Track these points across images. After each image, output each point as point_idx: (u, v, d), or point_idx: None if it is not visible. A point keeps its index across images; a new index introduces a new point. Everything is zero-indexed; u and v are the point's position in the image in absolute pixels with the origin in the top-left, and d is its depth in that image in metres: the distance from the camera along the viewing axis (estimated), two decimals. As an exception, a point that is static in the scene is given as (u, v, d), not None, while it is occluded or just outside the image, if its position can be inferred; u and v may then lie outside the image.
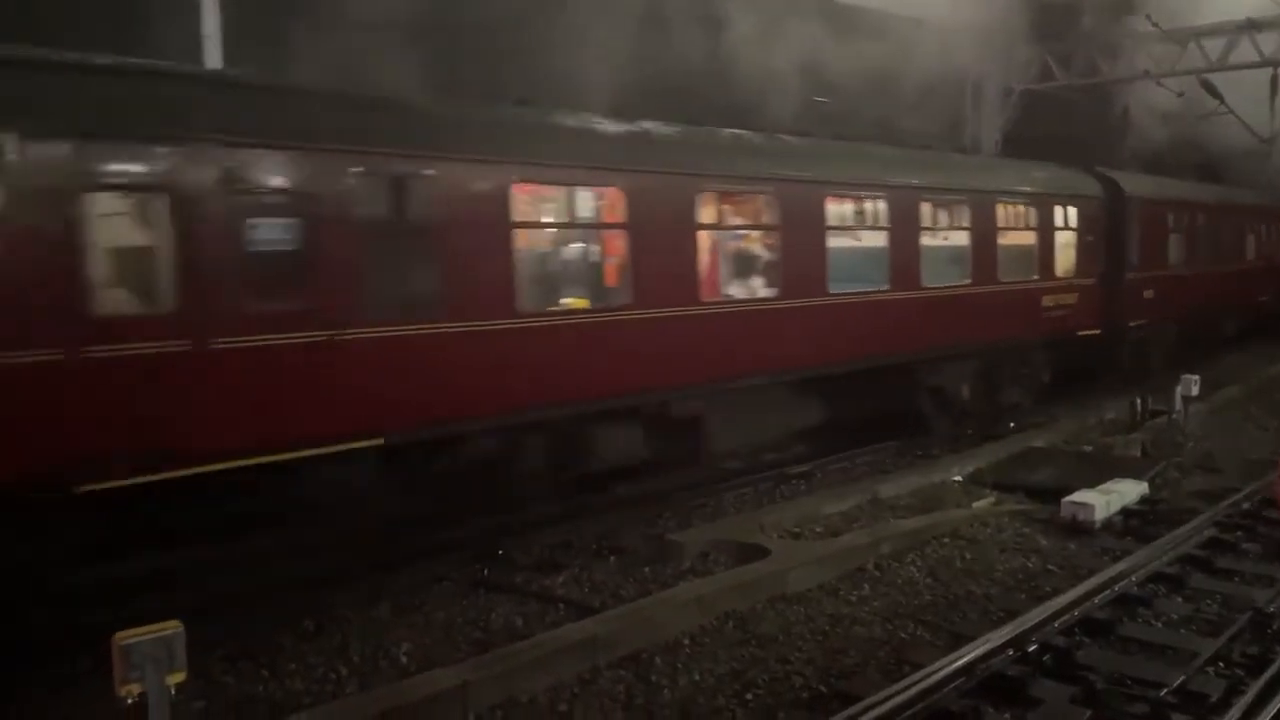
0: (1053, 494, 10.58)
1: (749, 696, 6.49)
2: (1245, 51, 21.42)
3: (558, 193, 9.46)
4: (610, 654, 6.91)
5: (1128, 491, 10.59)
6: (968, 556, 9.17)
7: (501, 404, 8.71)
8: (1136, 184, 17.70)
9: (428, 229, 8.17)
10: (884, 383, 12.76)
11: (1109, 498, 10.24)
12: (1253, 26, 21.00)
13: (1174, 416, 14.02)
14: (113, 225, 6.64)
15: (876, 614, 7.83)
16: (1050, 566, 8.95)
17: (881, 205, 12.53)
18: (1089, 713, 6.03)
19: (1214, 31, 21.60)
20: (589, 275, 9.76)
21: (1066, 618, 7.30)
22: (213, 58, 11.89)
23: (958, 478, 11.72)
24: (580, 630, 7.09)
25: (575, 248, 9.82)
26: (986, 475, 11.77)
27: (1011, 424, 14.79)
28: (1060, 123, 24.64)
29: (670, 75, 17.86)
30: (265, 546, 7.59)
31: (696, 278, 10.35)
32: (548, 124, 9.81)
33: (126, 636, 4.79)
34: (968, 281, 13.93)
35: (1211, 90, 23.49)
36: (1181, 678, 6.40)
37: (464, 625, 7.58)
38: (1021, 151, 21.44)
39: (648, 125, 10.66)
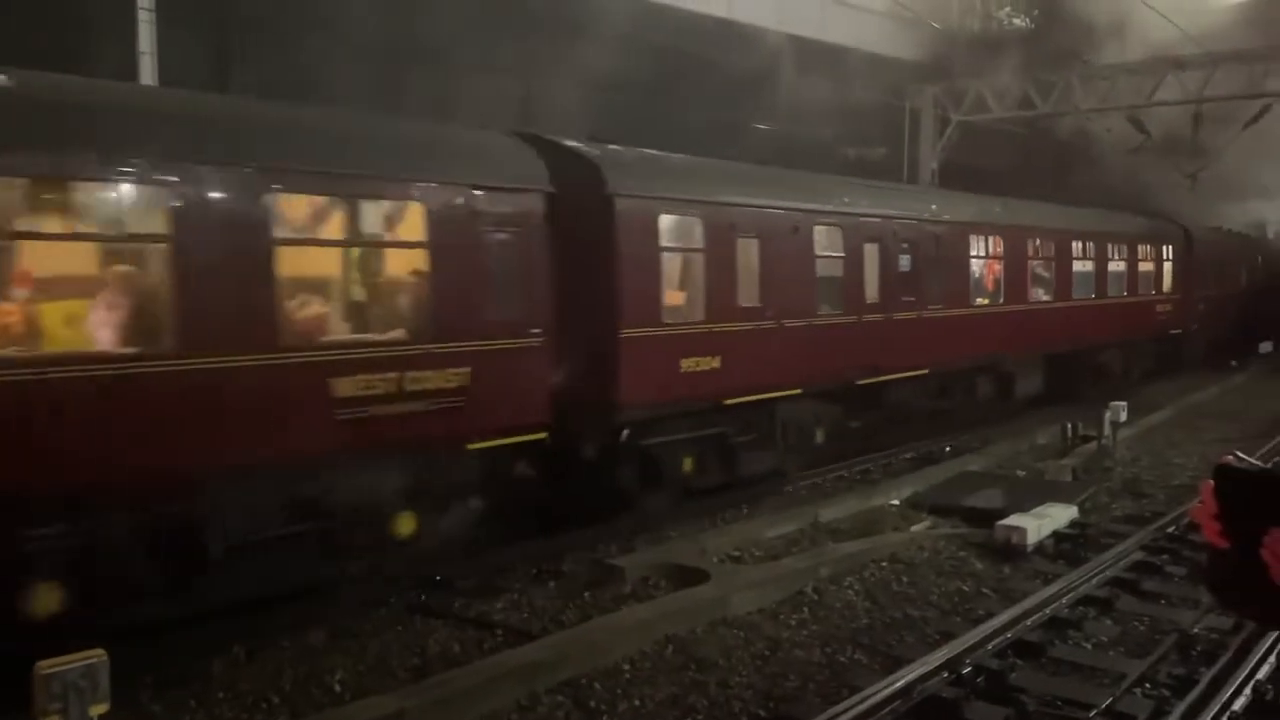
0: (987, 517, 10.77)
1: (688, 721, 6.48)
2: (1171, 88, 22.17)
3: (982, 240, 16.47)
4: (549, 680, 6.86)
5: (1059, 515, 10.81)
6: (905, 580, 9.28)
7: (951, 358, 15.29)
8: (1198, 231, 24.92)
9: (945, 257, 15.14)
10: (1076, 361, 19.19)
11: (1041, 521, 10.44)
12: (1177, 66, 21.76)
13: (1103, 442, 14.36)
14: (871, 258, 13.57)
15: (816, 637, 7.88)
16: (984, 589, 9.10)
17: (1092, 244, 19.78)
18: (1021, 734, 6.13)
19: (1141, 69, 22.34)
20: (983, 284, 16.82)
21: (1000, 640, 7.43)
22: (148, 74, 11.70)
23: (896, 501, 11.87)
24: (519, 656, 7.03)
25: (982, 268, 16.78)
26: (924, 499, 11.96)
27: (948, 448, 15.07)
28: (997, 154, 25.32)
29: (621, 101, 18.04)
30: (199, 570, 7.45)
31: (1026, 286, 17.57)
32: (1010, 207, 17.93)
33: (48, 665, 4.63)
34: (1125, 294, 20.99)
35: (1139, 126, 24.26)
36: (1110, 698, 6.54)
37: (400, 652, 7.47)
38: (956, 182, 22.00)
39: (1045, 203, 19.38)
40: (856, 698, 6.31)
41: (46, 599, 6.28)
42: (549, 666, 6.94)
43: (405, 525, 8.33)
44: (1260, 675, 6.77)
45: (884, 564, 9.62)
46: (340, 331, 8.21)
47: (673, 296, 10.78)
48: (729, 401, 11.04)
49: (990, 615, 8.02)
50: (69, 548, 6.44)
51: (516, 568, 9.30)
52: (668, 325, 10.44)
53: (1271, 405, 19.23)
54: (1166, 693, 6.75)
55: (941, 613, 8.51)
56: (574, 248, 9.51)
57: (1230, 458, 1.60)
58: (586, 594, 8.65)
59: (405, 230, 8.61)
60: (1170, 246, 23.09)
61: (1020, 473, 13.58)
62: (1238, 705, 6.38)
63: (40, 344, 6.62)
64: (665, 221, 10.50)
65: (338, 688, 6.86)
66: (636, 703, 6.71)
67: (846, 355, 12.88)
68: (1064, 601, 8.33)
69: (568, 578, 9.11)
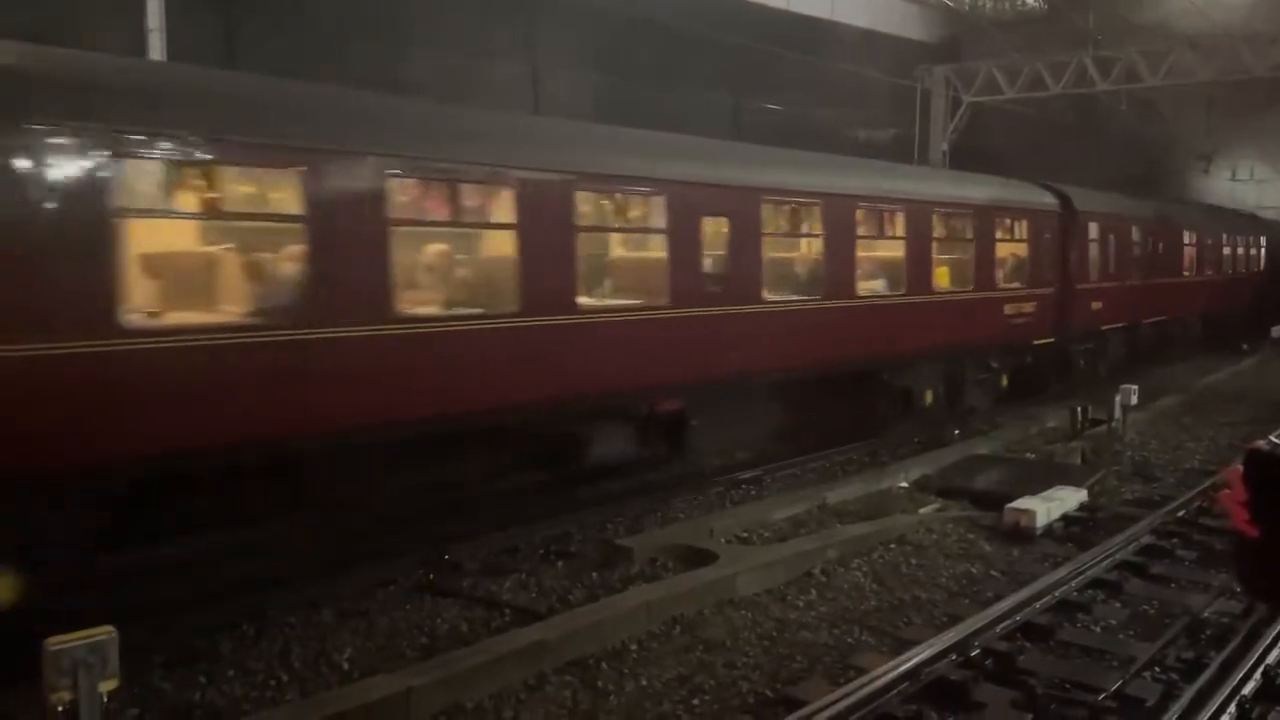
0: (996, 500, 10.73)
1: (695, 702, 6.48)
2: (1185, 70, 21.98)
3: (1189, 234, 23.63)
4: (557, 660, 6.87)
5: (1068, 498, 10.77)
6: (913, 562, 9.27)
7: (1175, 309, 22.74)
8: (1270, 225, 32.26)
9: (1174, 245, 22.58)
10: (1212, 320, 25.74)
11: (1050, 505, 10.41)
12: (1192, 47, 21.55)
13: (1113, 425, 14.29)
14: (1151, 243, 21.47)
15: (823, 619, 7.87)
16: (993, 572, 9.08)
17: (1235, 235, 27.38)
18: (1029, 717, 6.12)
19: (1155, 51, 22.14)
20: (1186, 262, 23.69)
21: (1008, 623, 7.40)
22: (156, 50, 11.65)
23: (904, 484, 11.85)
24: (527, 636, 7.02)
25: (1186, 252, 23.67)
26: (932, 481, 11.93)
27: (956, 431, 15.02)
28: (1008, 134, 25.16)
29: (618, 82, 17.92)
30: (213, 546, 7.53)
31: (1204, 266, 24.67)
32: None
33: (57, 641, 4.65)
34: (1244, 271, 28.30)
35: (1153, 108, 24.06)
36: (1119, 682, 6.52)
37: (409, 630, 7.49)
38: (969, 162, 21.87)
39: (1215, 205, 29.54)
40: (864, 679, 6.30)
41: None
42: (557, 646, 6.94)
43: (1004, 381, 16.24)
44: (1270, 659, 6.72)
45: (892, 546, 9.61)
46: (1004, 282, 15.98)
47: (1090, 266, 18.48)
48: (1103, 328, 19.10)
49: (999, 598, 8.00)
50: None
51: (522, 548, 9.32)
52: (1088, 283, 18.33)
53: (1283, 389, 19.13)
54: (1176, 676, 6.72)
55: (950, 595, 8.50)
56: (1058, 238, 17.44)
57: (1262, 443, 1.55)
58: (595, 574, 8.66)
59: (1019, 232, 16.43)
60: (1263, 238, 30.72)
61: (1029, 455, 13.54)
62: (1248, 689, 6.34)
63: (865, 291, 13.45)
64: (1091, 225, 18.47)
65: (346, 666, 6.88)
66: (643, 683, 6.71)
67: (1145, 304, 20.69)
68: (1073, 584, 8.30)
69: (576, 558, 9.12)
